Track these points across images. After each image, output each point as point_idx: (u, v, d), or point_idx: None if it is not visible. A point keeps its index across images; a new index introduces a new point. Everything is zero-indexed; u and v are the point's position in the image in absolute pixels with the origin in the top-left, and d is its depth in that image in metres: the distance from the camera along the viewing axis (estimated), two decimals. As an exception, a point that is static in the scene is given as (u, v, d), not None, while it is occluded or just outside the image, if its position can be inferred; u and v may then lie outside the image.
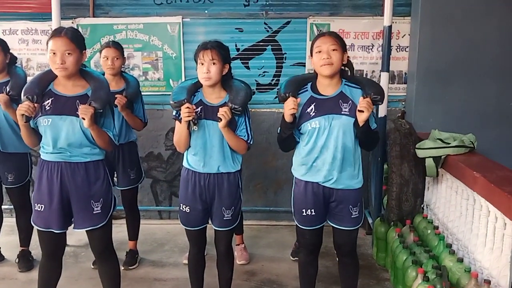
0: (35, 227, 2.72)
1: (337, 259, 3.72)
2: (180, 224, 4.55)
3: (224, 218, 2.79)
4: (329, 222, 2.74)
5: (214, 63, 2.62)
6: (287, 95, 2.56)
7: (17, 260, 3.72)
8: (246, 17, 4.50)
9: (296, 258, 3.83)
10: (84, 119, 2.49)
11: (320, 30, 4.33)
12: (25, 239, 3.77)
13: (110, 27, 4.53)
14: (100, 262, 2.87)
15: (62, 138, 2.57)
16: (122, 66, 3.59)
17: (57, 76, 2.62)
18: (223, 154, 2.71)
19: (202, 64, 2.63)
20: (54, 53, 2.51)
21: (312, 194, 2.65)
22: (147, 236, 4.24)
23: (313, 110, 2.59)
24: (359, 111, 2.50)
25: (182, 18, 4.49)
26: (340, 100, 2.58)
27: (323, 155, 2.59)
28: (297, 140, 2.69)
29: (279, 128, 2.70)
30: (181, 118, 2.66)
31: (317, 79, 2.65)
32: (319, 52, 2.53)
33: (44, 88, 2.61)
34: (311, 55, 2.61)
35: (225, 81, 2.74)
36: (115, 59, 3.50)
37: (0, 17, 4.59)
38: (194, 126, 2.65)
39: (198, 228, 2.84)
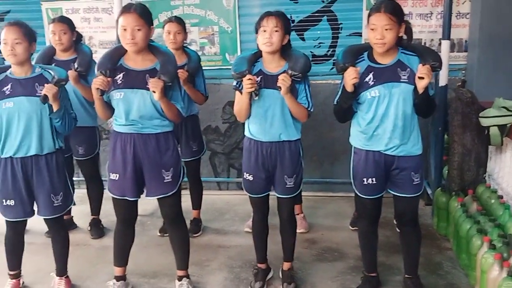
0: (111, 195, 2.88)
1: (397, 229, 3.78)
2: (238, 194, 4.80)
3: (287, 186, 2.86)
4: (390, 191, 2.77)
5: (276, 30, 2.66)
6: (347, 65, 2.57)
7: (89, 228, 3.96)
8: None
9: (355, 228, 3.86)
10: (154, 92, 2.61)
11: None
12: (95, 208, 3.99)
13: (167, 3, 4.63)
14: (171, 228, 3.02)
15: (134, 110, 2.70)
16: (184, 41, 3.68)
17: (127, 51, 2.74)
18: (284, 122, 2.76)
19: (265, 30, 2.66)
20: (124, 29, 2.62)
21: (373, 163, 2.68)
22: (208, 206, 4.38)
23: (371, 79, 2.59)
24: (419, 78, 2.50)
25: (238, -9, 4.53)
26: (398, 68, 2.58)
27: (384, 123, 2.61)
28: (354, 110, 2.71)
29: (336, 99, 2.72)
30: (242, 89, 2.73)
31: (374, 48, 2.65)
32: (373, 30, 2.52)
33: (116, 63, 2.74)
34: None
35: (285, 51, 2.77)
36: (177, 33, 3.59)
37: (64, -4, 4.78)
38: (256, 96, 2.71)
39: (261, 195, 2.93)
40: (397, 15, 2.51)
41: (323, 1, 4.46)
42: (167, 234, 3.81)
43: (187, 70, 3.54)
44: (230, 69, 4.54)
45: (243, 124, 4.76)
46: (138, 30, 2.62)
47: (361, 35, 4.44)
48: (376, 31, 2.49)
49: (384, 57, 2.60)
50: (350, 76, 2.53)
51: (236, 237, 3.85)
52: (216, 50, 4.69)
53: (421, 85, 2.48)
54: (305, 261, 3.39)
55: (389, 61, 2.60)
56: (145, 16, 2.67)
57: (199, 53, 4.59)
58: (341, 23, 4.48)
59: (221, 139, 4.89)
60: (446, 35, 3.70)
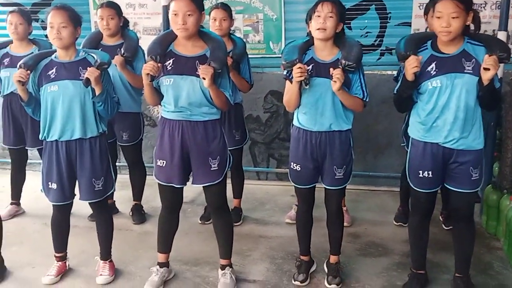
0: (157, 181, 2.87)
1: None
2: (278, 185, 4.76)
3: (336, 177, 2.79)
4: (446, 186, 2.66)
5: (331, 16, 2.58)
6: (408, 53, 2.47)
7: (130, 213, 3.98)
8: (350, -24, 4.37)
9: (400, 223, 3.79)
10: (204, 79, 2.56)
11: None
12: (137, 194, 4.01)
13: (212, -10, 4.60)
14: (215, 217, 2.99)
15: (183, 97, 2.67)
16: (230, 28, 3.63)
17: (177, 37, 2.70)
18: (335, 111, 2.68)
19: (319, 16, 2.59)
20: (175, 14, 2.59)
21: (430, 155, 2.59)
22: (248, 196, 4.34)
23: (434, 69, 2.50)
24: (484, 69, 2.39)
25: (284, -22, 4.46)
26: (463, 58, 2.48)
27: (444, 115, 2.51)
28: (414, 100, 2.61)
29: (396, 88, 2.63)
30: (292, 78, 2.66)
31: (438, 37, 2.54)
32: (439, 18, 2.41)
33: (166, 49, 2.71)
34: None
35: (338, 38, 2.69)
36: (223, 20, 3.54)
37: (109, -18, 4.79)
38: (306, 86, 2.63)
39: (308, 186, 2.87)
40: (465, 2, 2.40)
41: (372, -10, 4.34)
42: (208, 222, 3.87)
43: (232, 57, 3.48)
44: (273, 57, 4.65)
45: (285, 114, 4.81)
46: (189, 15, 2.58)
47: (410, 25, 4.32)
48: (442, 19, 2.39)
49: (448, 47, 2.50)
50: (411, 65, 2.44)
51: (277, 228, 3.80)
52: (260, 38, 4.63)
53: (486, 76, 2.38)
54: (349, 255, 3.31)
55: (454, 50, 2.50)
56: (196, 1, 2.63)
57: (243, 40, 4.59)
58: (390, 12, 4.36)
59: (261, 129, 4.84)
60: (503, 25, 3.54)
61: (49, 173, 2.88)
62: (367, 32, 4.42)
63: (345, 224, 3.69)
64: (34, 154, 4.30)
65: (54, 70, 2.79)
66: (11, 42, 3.88)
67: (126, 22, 3.78)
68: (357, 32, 4.42)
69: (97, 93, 2.75)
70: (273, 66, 4.66)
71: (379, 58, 4.35)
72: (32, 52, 3.75)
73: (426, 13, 3.48)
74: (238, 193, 3.95)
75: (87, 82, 2.71)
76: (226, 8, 3.58)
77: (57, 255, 3.10)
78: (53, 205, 2.98)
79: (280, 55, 4.49)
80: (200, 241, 3.60)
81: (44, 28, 4.86)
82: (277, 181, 4.89)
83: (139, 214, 3.97)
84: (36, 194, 4.37)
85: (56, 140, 2.83)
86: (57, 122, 2.80)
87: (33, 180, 4.14)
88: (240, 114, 3.80)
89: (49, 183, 2.89)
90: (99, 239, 3.10)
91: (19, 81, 2.72)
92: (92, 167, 2.87)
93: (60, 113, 2.78)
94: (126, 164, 4.07)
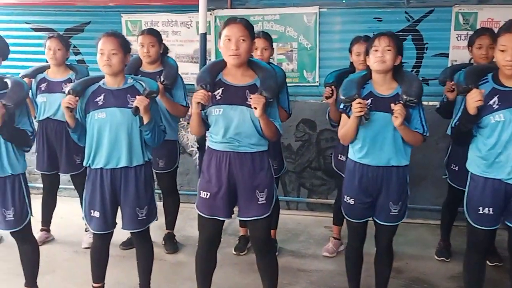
0: (198, 213, 2.78)
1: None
2: (309, 215, 4.66)
3: (391, 213, 2.71)
4: (507, 223, 2.57)
5: (388, 50, 2.56)
6: (470, 86, 2.42)
7: (163, 243, 3.89)
8: (385, 6, 4.36)
9: (442, 258, 3.68)
10: (256, 108, 2.50)
11: (467, 20, 4.11)
12: (171, 223, 3.94)
13: (247, 18, 4.56)
14: (261, 254, 2.83)
15: (233, 127, 2.60)
16: (271, 57, 3.61)
17: (225, 66, 2.66)
18: (395, 146, 2.62)
19: (376, 50, 2.57)
20: (229, 39, 2.53)
21: (491, 192, 2.51)
22: (280, 226, 4.19)
23: (496, 103, 2.44)
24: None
25: (319, 8, 4.44)
26: None
27: (508, 150, 2.44)
28: (473, 134, 2.54)
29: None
30: (349, 112, 2.60)
31: (500, 70, 2.48)
32: (503, 51, 2.37)
33: (214, 78, 2.66)
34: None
35: (396, 72, 2.65)
36: (264, 49, 3.51)
37: (144, 9, 4.82)
38: (366, 120, 2.58)
39: (361, 220, 2.79)
40: None
41: (408, 20, 4.32)
42: (243, 253, 3.78)
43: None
44: (306, 86, 4.62)
45: (317, 143, 4.75)
46: (243, 40, 2.54)
47: (447, 56, 4.28)
48: (507, 53, 2.35)
49: (511, 80, 2.44)
50: (474, 99, 2.38)
51: (315, 261, 3.70)
52: (293, 66, 4.60)
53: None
54: (394, 292, 3.21)
55: None
56: (250, 28, 2.61)
57: (278, 69, 4.56)
58: (427, 43, 4.33)
59: (292, 157, 4.77)
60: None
61: (92, 201, 2.82)
62: (403, 63, 4.36)
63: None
64: (62, 180, 4.24)
65: (102, 97, 2.76)
66: (48, 67, 3.87)
67: (166, 49, 3.77)
68: (394, 62, 4.38)
69: (145, 122, 2.71)
70: (306, 94, 4.64)
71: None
72: (70, 78, 3.78)
73: (470, 44, 3.45)
74: (274, 224, 3.85)
75: (136, 111, 2.67)
76: (267, 37, 3.56)
77: (95, 285, 3.00)
78: (94, 233, 2.90)
79: (313, 84, 4.61)
80: (236, 273, 3.51)
81: (76, 54, 4.92)
82: (308, 211, 4.80)
83: (172, 244, 3.89)
84: (64, 220, 4.32)
85: (101, 168, 2.78)
86: (103, 150, 2.75)
87: (61, 206, 4.10)
88: (278, 143, 3.74)
89: (92, 211, 2.82)
90: (140, 270, 3.02)
91: (68, 107, 2.68)
92: (137, 196, 2.81)
93: (107, 140, 2.73)
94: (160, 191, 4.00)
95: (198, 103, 2.55)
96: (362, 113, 2.53)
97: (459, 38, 4.23)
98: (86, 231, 4.00)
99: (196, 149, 4.70)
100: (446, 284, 3.28)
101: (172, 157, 3.79)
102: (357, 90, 2.60)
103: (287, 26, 4.53)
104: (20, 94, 2.73)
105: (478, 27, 4.11)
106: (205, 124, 2.69)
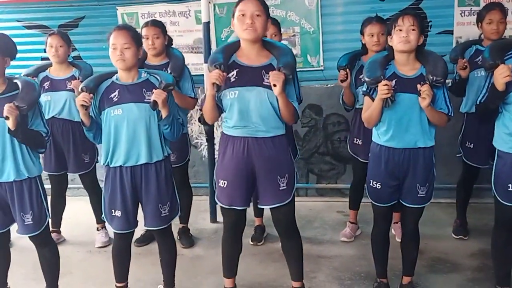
0: (219, 204, 2.74)
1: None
2: (319, 201, 4.64)
3: (419, 195, 2.69)
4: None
5: (413, 29, 2.50)
6: (497, 62, 2.39)
7: (178, 237, 3.83)
8: (387, -15, 4.31)
9: (460, 236, 3.69)
10: (275, 86, 2.43)
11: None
12: (184, 217, 3.87)
13: (247, 4, 4.50)
14: (286, 238, 2.82)
15: (249, 110, 2.53)
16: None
17: (239, 47, 2.59)
18: (422, 128, 2.58)
19: (401, 30, 2.51)
20: (243, 14, 2.47)
21: (520, 168, 2.48)
22: (293, 213, 4.23)
23: None
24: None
25: (320, -10, 4.39)
26: None
27: None
28: (499, 110, 2.52)
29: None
30: (373, 94, 2.56)
31: None
32: None
33: (228, 59, 2.58)
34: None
35: (420, 52, 2.61)
36: (274, 35, 3.46)
37: (140, 0, 4.71)
38: (391, 103, 2.53)
39: (387, 204, 2.77)
40: None
41: (411, -2, 4.28)
42: (260, 243, 3.75)
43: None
44: (311, 71, 4.56)
45: (324, 127, 4.71)
46: (258, 15, 2.46)
47: (452, 33, 4.25)
48: None
49: None
50: (503, 74, 2.35)
51: (334, 247, 3.68)
52: (297, 51, 4.54)
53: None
54: (418, 273, 3.17)
55: None
56: (265, 5, 2.53)
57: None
58: (430, 21, 4.27)
59: (300, 144, 4.73)
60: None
61: (113, 200, 2.75)
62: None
63: (396, 239, 3.64)
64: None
65: (116, 93, 2.67)
66: (50, 65, 3.77)
67: (170, 41, 3.68)
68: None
69: (163, 116, 2.63)
70: (311, 79, 4.58)
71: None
72: (73, 75, 3.69)
73: (480, 20, 3.42)
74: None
75: (155, 105, 2.60)
76: (275, 23, 3.51)
77: (119, 285, 2.94)
78: (115, 233, 2.85)
79: (318, 68, 4.55)
80: (256, 263, 3.48)
81: (72, 50, 4.79)
82: (317, 196, 4.78)
83: (187, 238, 3.84)
84: (72, 221, 4.24)
85: (120, 166, 2.71)
86: (121, 147, 2.67)
87: (67, 206, 4.02)
88: (290, 129, 3.68)
89: (113, 210, 2.76)
90: (163, 267, 2.97)
91: (83, 105, 2.60)
92: (158, 193, 2.75)
93: (125, 137, 2.66)
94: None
95: (213, 83, 2.46)
96: (388, 95, 2.49)
97: (463, 14, 4.21)
98: (98, 230, 3.94)
99: (205, 140, 4.63)
100: (468, 262, 3.29)
101: (184, 150, 3.72)
102: (381, 71, 2.55)
103: (289, 11, 4.47)
104: (32, 94, 2.64)
105: (482, 2, 4.09)
106: (219, 109, 2.62)
